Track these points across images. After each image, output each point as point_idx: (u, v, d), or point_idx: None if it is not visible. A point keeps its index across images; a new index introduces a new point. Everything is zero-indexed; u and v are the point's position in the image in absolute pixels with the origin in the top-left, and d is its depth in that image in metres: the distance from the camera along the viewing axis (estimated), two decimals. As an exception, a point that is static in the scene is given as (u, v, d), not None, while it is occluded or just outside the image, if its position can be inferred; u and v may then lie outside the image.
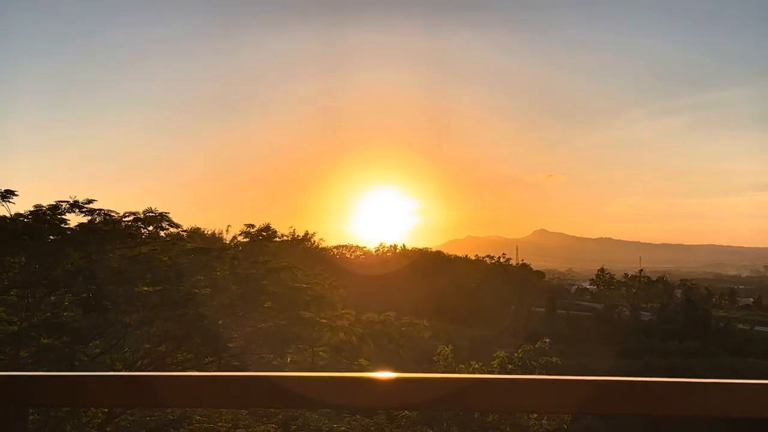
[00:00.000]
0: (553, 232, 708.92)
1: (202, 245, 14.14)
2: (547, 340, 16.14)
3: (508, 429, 13.64)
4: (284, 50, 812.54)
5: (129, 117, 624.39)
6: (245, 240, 16.76)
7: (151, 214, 12.21)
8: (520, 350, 15.77)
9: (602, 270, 74.69)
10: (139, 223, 12.12)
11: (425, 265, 64.10)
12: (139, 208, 12.26)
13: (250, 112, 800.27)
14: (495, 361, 15.44)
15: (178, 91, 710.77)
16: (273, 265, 13.09)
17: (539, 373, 13.31)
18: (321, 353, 12.16)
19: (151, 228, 12.38)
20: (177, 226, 12.68)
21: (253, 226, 16.53)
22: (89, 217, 11.57)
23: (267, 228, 16.43)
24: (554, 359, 15.45)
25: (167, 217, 12.34)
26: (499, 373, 13.66)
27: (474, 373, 14.11)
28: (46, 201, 11.36)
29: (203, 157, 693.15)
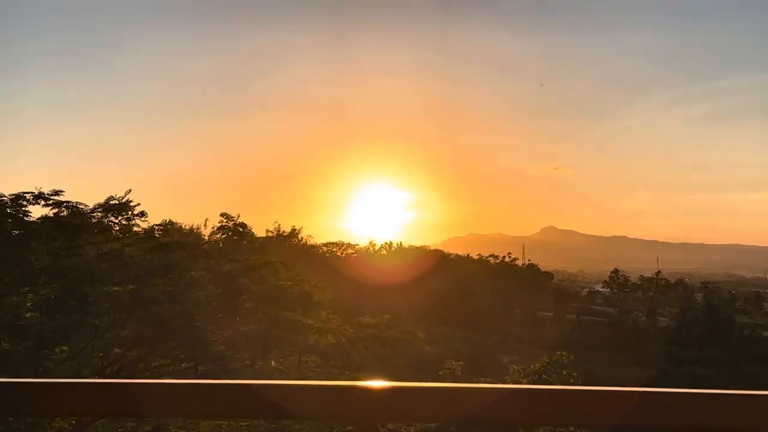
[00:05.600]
0: (562, 230, 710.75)
1: (177, 240, 14.08)
2: (564, 353, 16.12)
3: None
4: (281, 41, 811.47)
5: (123, 110, 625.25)
6: (223, 236, 16.58)
7: (115, 202, 11.93)
8: (538, 363, 15.77)
9: (616, 271, 74.95)
10: (110, 214, 11.99)
11: (423, 264, 64.03)
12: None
13: (243, 104, 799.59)
14: (509, 378, 15.43)
15: (173, 83, 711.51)
16: (254, 262, 13.02)
17: None
18: (311, 364, 12.15)
19: (119, 219, 12.19)
20: (142, 215, 12.42)
21: (230, 217, 16.18)
22: (56, 210, 11.45)
23: (242, 224, 16.18)
24: (574, 374, 15.35)
25: (131, 206, 12.12)
26: None
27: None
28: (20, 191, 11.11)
29: (195, 150, 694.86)
